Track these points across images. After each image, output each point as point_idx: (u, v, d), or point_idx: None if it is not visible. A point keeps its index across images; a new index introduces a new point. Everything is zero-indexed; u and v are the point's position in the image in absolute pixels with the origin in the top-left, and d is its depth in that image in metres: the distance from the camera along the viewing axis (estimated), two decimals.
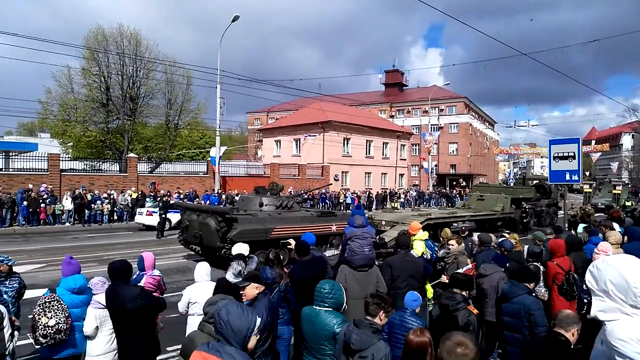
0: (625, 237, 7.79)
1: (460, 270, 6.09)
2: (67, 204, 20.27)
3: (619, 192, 32.24)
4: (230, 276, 4.57)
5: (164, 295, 5.07)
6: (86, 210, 20.62)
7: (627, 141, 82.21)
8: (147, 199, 22.02)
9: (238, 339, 2.26)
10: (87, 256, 13.03)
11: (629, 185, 51.71)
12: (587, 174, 64.94)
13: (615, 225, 8.70)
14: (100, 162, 26.61)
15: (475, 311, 4.18)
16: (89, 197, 20.69)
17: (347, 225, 5.98)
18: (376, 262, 5.73)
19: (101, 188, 22.78)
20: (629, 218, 11.32)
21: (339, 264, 5.57)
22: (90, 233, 18.60)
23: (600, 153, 57.79)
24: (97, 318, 4.20)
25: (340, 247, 6.16)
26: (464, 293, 4.28)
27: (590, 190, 35.80)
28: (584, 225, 10.46)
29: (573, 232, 10.46)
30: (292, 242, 5.80)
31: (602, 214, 17.50)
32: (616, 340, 1.95)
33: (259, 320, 2.40)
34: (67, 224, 20.27)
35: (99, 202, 21.03)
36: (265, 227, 11.36)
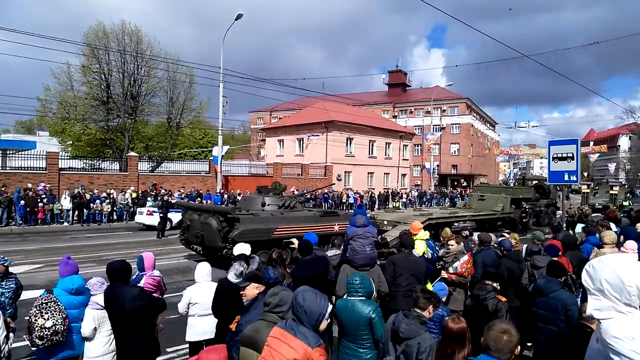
0: (622, 237, 7.85)
1: (457, 264, 6.29)
2: (66, 203, 20.15)
3: (616, 192, 32.40)
4: (232, 276, 4.50)
5: (164, 295, 4.99)
6: (85, 210, 20.49)
7: (624, 142, 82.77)
8: (148, 199, 21.93)
9: (311, 321, 2.60)
10: (86, 256, 12.95)
11: (626, 186, 51.86)
12: (585, 174, 65.08)
13: (612, 225, 8.89)
14: (100, 161, 26.48)
15: (504, 299, 4.43)
16: (87, 196, 20.55)
17: (349, 225, 5.95)
18: (378, 262, 5.70)
19: (101, 187, 22.66)
20: (625, 218, 11.37)
21: (340, 264, 5.53)
22: (89, 233, 18.50)
23: (598, 154, 57.90)
24: (95, 319, 4.13)
25: (342, 246, 6.12)
26: (494, 284, 4.58)
27: (588, 190, 36.01)
28: (582, 225, 10.53)
29: (571, 231, 10.54)
30: (295, 241, 5.76)
31: (600, 214, 17.56)
32: (611, 338, 1.97)
33: (330, 306, 2.71)
34: (66, 223, 20.15)
35: (98, 201, 20.89)
36: (268, 227, 11.29)
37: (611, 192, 32.73)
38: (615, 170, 71.77)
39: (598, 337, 2.12)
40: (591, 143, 67.31)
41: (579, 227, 10.33)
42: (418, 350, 3.12)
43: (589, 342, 2.31)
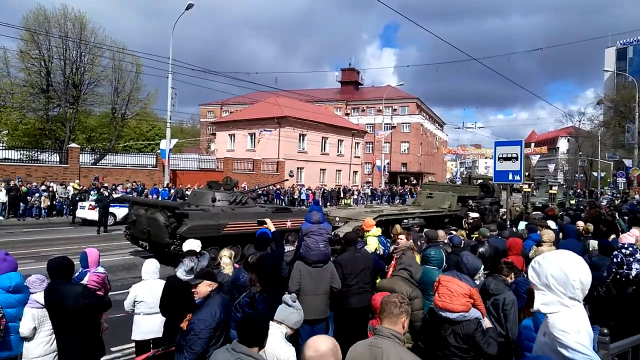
0: (560, 234, 8.36)
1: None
2: (1, 196, 18.93)
3: (555, 192, 34.18)
4: (181, 273, 4.41)
5: (109, 293, 4.80)
6: (22, 204, 19.35)
7: (563, 145, 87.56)
8: (91, 193, 20.95)
9: (470, 273, 4.17)
10: (24, 252, 12.26)
11: (564, 186, 55.02)
12: (527, 174, 68.38)
13: (551, 223, 9.33)
14: (39, 152, 25.08)
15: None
16: (25, 189, 19.41)
17: (303, 221, 5.93)
18: (331, 258, 5.73)
19: (39, 179, 21.48)
20: (566, 216, 11.99)
21: (294, 260, 5.52)
22: (27, 228, 17.50)
23: (539, 155, 61.03)
24: (35, 318, 3.93)
25: (295, 243, 6.11)
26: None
27: (529, 190, 37.69)
28: (525, 222, 11.03)
29: (514, 229, 11.02)
30: (270, 222, 5.67)
31: (540, 213, 18.56)
32: (558, 331, 2.07)
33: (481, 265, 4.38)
34: (1, 217, 18.95)
35: (36, 194, 19.79)
36: (218, 223, 11.12)
37: (550, 191, 34.43)
38: (555, 170, 75.93)
39: (545, 331, 2.22)
40: (532, 144, 70.85)
41: (522, 225, 10.80)
42: (503, 303, 4.02)
43: (537, 336, 2.41)
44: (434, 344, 3.31)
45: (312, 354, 2.24)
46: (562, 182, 65.13)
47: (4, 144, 25.32)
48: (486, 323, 3.44)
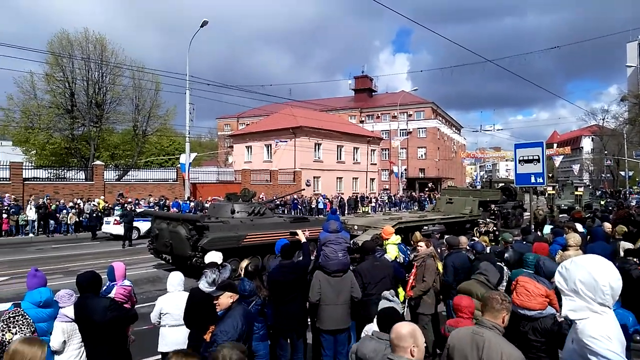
0: (588, 237, 8.12)
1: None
2: (31, 214, 19.54)
3: (581, 193, 33.32)
4: (203, 285, 4.50)
5: (135, 306, 4.94)
6: (51, 221, 19.92)
7: (587, 144, 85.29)
8: (116, 208, 21.45)
9: (546, 276, 4.40)
10: (53, 268, 12.60)
11: (590, 187, 53.64)
12: (550, 176, 67.03)
13: (578, 226, 9.03)
14: (65, 170, 25.79)
15: None
16: (53, 206, 20.01)
17: (321, 230, 5.97)
18: (351, 267, 5.73)
19: (66, 197, 22.09)
20: (597, 219, 11.62)
21: (314, 270, 5.56)
22: (55, 244, 17.98)
23: (562, 156, 59.77)
24: (64, 332, 4.06)
25: (314, 252, 6.14)
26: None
27: (554, 192, 36.89)
28: (550, 226, 10.76)
29: (539, 233, 10.77)
30: (301, 233, 5.75)
31: (566, 215, 18.09)
32: (587, 338, 2.00)
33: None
34: (31, 234, 19.56)
35: (64, 211, 20.37)
36: (237, 235, 11.20)
37: (576, 193, 33.60)
38: (580, 171, 74.09)
39: (574, 338, 2.15)
40: (555, 145, 69.45)
41: (547, 229, 10.54)
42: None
43: (565, 343, 2.34)
44: (514, 338, 3.36)
45: (394, 336, 2.58)
46: (587, 183, 63.48)
47: (33, 164, 26.18)
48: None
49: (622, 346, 2.02)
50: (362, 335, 3.88)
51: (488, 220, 13.04)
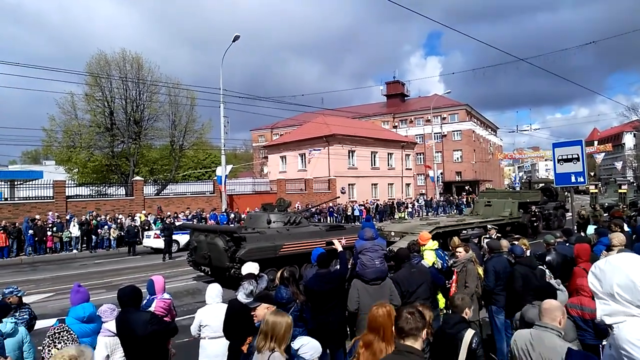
0: (634, 237, 7.74)
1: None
2: (74, 230, 20.26)
3: (625, 191, 31.98)
4: (241, 296, 4.50)
5: (175, 319, 4.99)
6: (93, 236, 20.61)
7: (629, 140, 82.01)
8: (156, 222, 22.00)
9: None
10: (96, 283, 12.98)
11: (634, 184, 51.39)
12: (592, 174, 64.66)
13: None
14: (106, 187, 26.69)
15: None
16: (94, 222, 20.68)
17: (357, 238, 5.90)
18: (389, 274, 5.64)
19: (108, 213, 22.79)
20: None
21: (351, 278, 5.49)
22: (98, 259, 18.55)
23: (603, 153, 57.52)
24: (107, 346, 4.13)
25: (350, 261, 6.08)
26: None
27: (597, 190, 35.62)
28: (594, 226, 10.35)
29: (582, 233, 10.38)
30: (337, 242, 5.72)
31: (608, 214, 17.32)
32: (625, 342, 1.84)
33: None
34: (75, 251, 20.24)
35: (105, 227, 21.02)
36: (274, 245, 11.26)
37: (620, 190, 32.32)
38: (622, 168, 71.20)
39: (611, 343, 2.00)
40: (595, 142, 67.00)
41: (590, 229, 10.15)
42: None
43: (604, 349, 2.21)
44: None
45: (546, 307, 3.07)
46: (632, 180, 60.76)
47: (75, 182, 27.20)
48: None
49: None
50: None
51: (490, 226, 12.54)
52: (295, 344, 3.15)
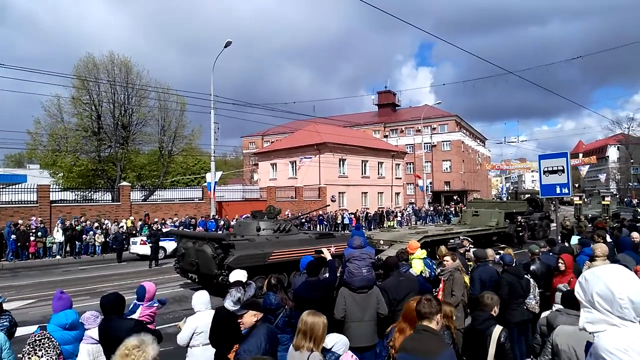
0: (615, 249, 7.91)
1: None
2: (58, 236, 19.90)
3: (608, 202, 32.63)
4: (229, 304, 4.46)
5: (160, 326, 4.90)
6: (77, 242, 20.24)
7: (613, 153, 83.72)
8: (143, 228, 21.74)
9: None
10: (79, 289, 12.73)
11: (617, 196, 52.30)
12: (577, 185, 65.64)
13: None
14: (92, 192, 26.34)
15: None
16: (78, 228, 20.27)
17: (346, 246, 5.90)
18: (377, 283, 5.63)
19: (93, 218, 22.42)
20: (625, 229, 11.35)
21: (339, 286, 5.48)
22: (82, 265, 18.22)
23: (588, 166, 58.52)
24: (90, 354, 4.06)
25: (339, 269, 6.06)
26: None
27: (581, 202, 36.33)
28: (578, 237, 10.54)
29: (566, 244, 10.53)
30: (326, 251, 5.71)
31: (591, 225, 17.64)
32: (604, 351, 1.88)
33: None
34: (58, 256, 19.88)
35: (91, 233, 20.68)
36: (263, 252, 11.20)
37: (603, 202, 32.94)
38: (606, 180, 72.50)
39: (592, 352, 2.04)
40: (580, 155, 68.10)
41: (574, 239, 10.32)
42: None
43: (586, 357, 2.22)
44: None
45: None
46: (615, 192, 61.81)
47: (60, 186, 26.77)
48: None
49: None
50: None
51: (462, 237, 12.62)
52: (328, 342, 3.43)
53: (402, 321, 3.77)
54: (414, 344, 3.07)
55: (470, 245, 9.34)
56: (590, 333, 2.02)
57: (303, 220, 26.46)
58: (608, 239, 8.72)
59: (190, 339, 4.74)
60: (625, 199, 48.91)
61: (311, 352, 3.20)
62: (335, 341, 3.50)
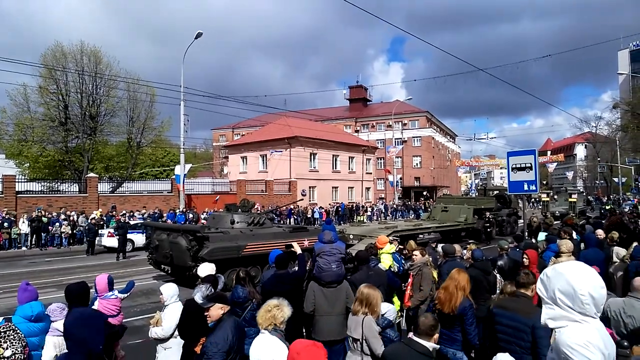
0: (582, 245, 8.16)
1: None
2: (24, 227, 19.36)
3: (575, 200, 33.59)
4: (198, 297, 4.47)
5: (128, 320, 4.88)
6: (43, 234, 19.74)
7: (580, 151, 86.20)
8: (111, 221, 21.29)
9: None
10: (45, 281, 12.49)
11: (584, 193, 54.08)
12: (545, 183, 67.55)
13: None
14: (59, 183, 25.64)
15: None
16: (45, 219, 19.79)
17: (317, 240, 5.96)
18: (348, 276, 5.71)
19: (60, 209, 21.87)
20: (589, 225, 11.71)
21: (309, 280, 5.54)
22: (48, 257, 17.81)
23: (556, 163, 60.24)
24: (56, 346, 4.01)
25: (309, 262, 6.13)
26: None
27: (548, 199, 37.27)
28: (545, 233, 10.82)
29: (533, 240, 10.78)
30: (296, 245, 5.77)
31: (559, 222, 18.15)
32: (565, 346, 1.94)
33: None
34: (24, 248, 19.37)
35: (57, 224, 20.17)
36: (238, 245, 11.21)
37: (570, 199, 33.88)
38: (573, 178, 74.74)
39: (553, 347, 2.09)
40: (548, 152, 70.02)
41: (542, 236, 10.58)
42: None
43: (547, 352, 2.24)
44: None
45: (637, 284, 4.23)
46: (581, 190, 63.95)
47: (26, 177, 25.94)
48: None
49: (603, 356, 1.92)
50: None
51: (426, 234, 12.80)
52: (382, 309, 4.17)
53: (448, 280, 4.65)
54: (514, 305, 3.90)
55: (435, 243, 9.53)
56: (551, 329, 2.07)
57: (272, 216, 26.46)
58: (575, 235, 8.96)
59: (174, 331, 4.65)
60: (590, 198, 50.61)
61: (365, 316, 3.94)
62: (388, 309, 4.31)
